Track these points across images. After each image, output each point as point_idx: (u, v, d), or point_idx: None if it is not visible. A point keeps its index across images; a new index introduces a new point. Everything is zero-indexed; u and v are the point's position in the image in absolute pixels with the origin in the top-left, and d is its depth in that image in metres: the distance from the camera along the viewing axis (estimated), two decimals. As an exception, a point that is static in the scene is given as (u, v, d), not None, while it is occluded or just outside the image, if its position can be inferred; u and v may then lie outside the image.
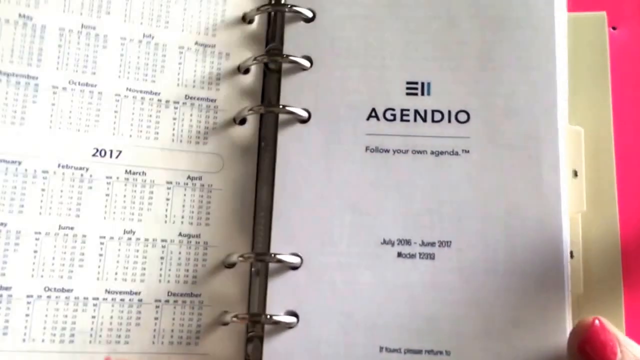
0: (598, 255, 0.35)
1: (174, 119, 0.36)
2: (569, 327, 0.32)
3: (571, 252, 0.34)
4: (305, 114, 0.36)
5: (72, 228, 0.33)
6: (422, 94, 0.36)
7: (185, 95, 0.36)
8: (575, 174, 0.35)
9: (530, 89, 0.35)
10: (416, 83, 0.36)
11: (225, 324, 0.34)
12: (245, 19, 0.38)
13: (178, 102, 0.36)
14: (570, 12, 0.38)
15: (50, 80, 0.34)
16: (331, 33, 0.37)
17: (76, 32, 0.35)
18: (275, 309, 0.33)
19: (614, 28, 0.38)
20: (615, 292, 0.34)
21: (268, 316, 0.33)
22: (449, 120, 0.36)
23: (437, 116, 0.36)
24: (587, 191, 0.35)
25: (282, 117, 0.36)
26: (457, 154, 0.35)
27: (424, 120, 0.36)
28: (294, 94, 0.36)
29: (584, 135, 0.36)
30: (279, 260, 0.33)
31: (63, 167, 0.34)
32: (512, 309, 0.33)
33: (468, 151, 0.35)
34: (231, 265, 0.35)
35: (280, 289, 0.33)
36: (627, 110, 0.37)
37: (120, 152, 0.35)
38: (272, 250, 0.34)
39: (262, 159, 0.36)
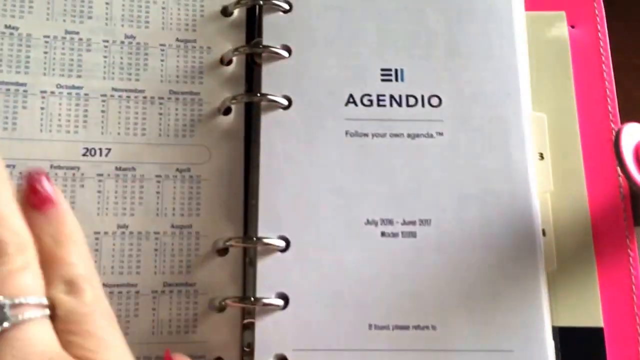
0: (570, 232, 0.37)
1: (160, 114, 0.37)
2: (543, 301, 0.34)
3: (543, 230, 0.36)
4: (285, 102, 0.37)
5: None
6: (397, 79, 0.38)
7: (170, 91, 0.37)
8: (542, 156, 0.37)
9: (494, 76, 0.38)
10: (390, 70, 0.38)
11: (221, 310, 0.35)
12: (225, 12, 0.39)
13: (163, 98, 0.37)
14: (533, 11, 0.40)
15: (39, 85, 0.36)
16: (308, 23, 0.38)
17: (60, 38, 0.37)
18: (265, 292, 0.34)
19: (572, 27, 0.41)
20: (588, 267, 0.36)
21: (257, 299, 0.34)
22: (423, 105, 0.37)
23: (412, 101, 0.37)
24: (555, 172, 0.38)
25: (264, 104, 0.37)
26: (431, 136, 0.37)
27: (399, 104, 0.37)
28: (274, 82, 0.38)
29: (549, 121, 0.38)
30: (266, 244, 0.35)
31: (55, 167, 0.35)
32: (490, 284, 0.35)
33: (442, 134, 0.37)
34: (223, 253, 0.36)
35: (269, 272, 0.35)
36: (590, 98, 0.39)
37: (110, 149, 0.36)
38: (260, 234, 0.35)
39: (251, 147, 0.38)
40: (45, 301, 0.25)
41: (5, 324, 0.23)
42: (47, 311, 0.25)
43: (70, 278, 0.26)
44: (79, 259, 0.27)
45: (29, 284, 0.25)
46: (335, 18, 0.39)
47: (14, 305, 0.24)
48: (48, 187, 0.27)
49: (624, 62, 0.42)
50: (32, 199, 0.26)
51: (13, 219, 0.26)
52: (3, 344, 0.23)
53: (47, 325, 0.25)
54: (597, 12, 0.41)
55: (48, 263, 0.26)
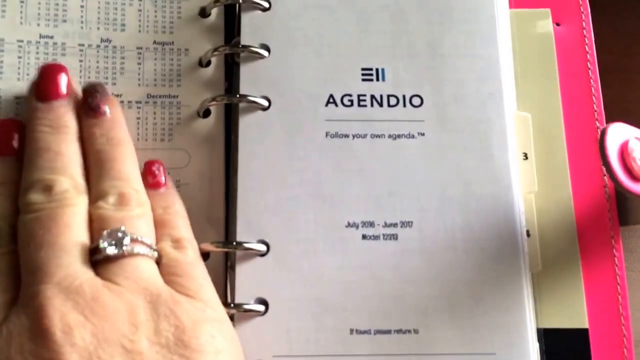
0: (555, 233, 0.36)
1: (138, 118, 0.37)
2: (527, 303, 0.34)
3: (527, 231, 0.35)
4: (265, 102, 0.36)
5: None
6: (377, 79, 0.37)
7: (147, 95, 0.37)
8: (526, 156, 0.37)
9: (476, 76, 0.37)
10: (371, 69, 0.37)
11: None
12: (203, 13, 0.39)
13: (140, 102, 0.37)
14: (517, 9, 0.40)
15: (12, 91, 0.35)
16: (287, 22, 0.38)
17: (34, 42, 0.36)
18: (244, 297, 0.34)
19: (557, 24, 0.40)
20: (573, 267, 0.36)
21: (237, 305, 0.34)
22: (404, 105, 0.37)
23: (393, 101, 0.37)
24: (539, 173, 0.37)
25: (242, 105, 0.37)
26: (413, 137, 0.36)
27: (380, 105, 0.37)
28: (253, 82, 0.37)
29: (534, 121, 0.38)
30: (246, 248, 0.34)
31: (32, 175, 0.35)
32: (472, 286, 0.34)
33: (423, 134, 0.36)
34: (204, 259, 0.35)
35: (248, 277, 0.34)
36: (575, 97, 0.39)
37: (87, 155, 0.36)
38: (239, 238, 0.35)
39: (232, 150, 0.37)
40: (154, 244, 0.31)
41: (123, 250, 0.29)
42: (156, 253, 0.30)
43: (176, 237, 0.32)
44: (184, 225, 0.33)
45: (144, 228, 0.31)
46: (315, 17, 0.38)
47: (132, 239, 0.29)
48: (162, 171, 0.34)
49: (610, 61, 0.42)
50: (150, 180, 0.33)
51: (136, 181, 0.32)
52: (119, 267, 0.29)
53: (154, 264, 0.30)
54: (582, 9, 0.40)
55: (158, 225, 0.32)
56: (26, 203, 0.30)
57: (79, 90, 0.34)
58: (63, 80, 0.33)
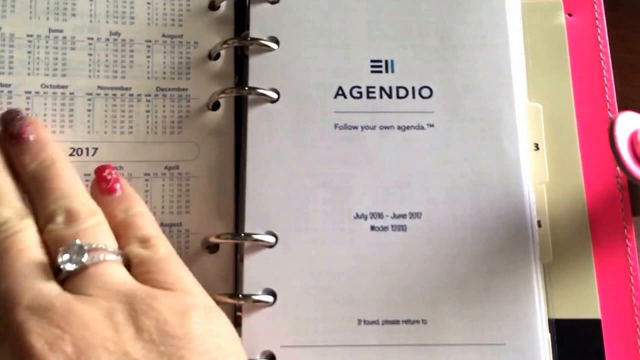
0: (566, 223, 0.36)
1: (147, 111, 0.37)
2: (537, 293, 0.34)
3: (539, 222, 0.35)
4: (274, 95, 0.36)
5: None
6: (387, 71, 0.37)
7: (157, 88, 0.37)
8: (537, 147, 0.37)
9: (486, 66, 0.37)
10: (380, 61, 0.37)
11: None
12: (212, 6, 0.39)
13: (150, 95, 0.37)
14: (529, 0, 0.40)
15: (23, 86, 0.36)
16: (296, 14, 0.38)
17: (44, 37, 0.37)
18: (253, 288, 0.34)
19: (570, 15, 0.40)
20: (585, 258, 0.35)
21: (246, 295, 0.34)
22: (413, 96, 0.36)
23: (402, 92, 0.37)
24: (551, 163, 0.37)
25: (251, 97, 0.37)
26: (422, 128, 0.36)
27: (390, 96, 0.36)
28: (262, 75, 0.37)
29: (545, 111, 0.38)
30: (255, 240, 0.35)
31: (43, 168, 0.35)
32: (482, 277, 0.34)
33: (433, 125, 0.36)
34: (214, 250, 0.36)
35: (256, 268, 0.34)
36: (586, 88, 0.38)
37: (97, 149, 0.36)
38: (247, 230, 0.35)
39: (241, 142, 0.37)
40: (117, 249, 0.30)
41: (84, 262, 0.28)
42: (121, 257, 0.30)
43: (143, 237, 0.31)
44: (149, 223, 0.32)
45: (103, 235, 0.30)
46: (324, 8, 0.38)
47: (91, 249, 0.28)
48: (114, 175, 0.33)
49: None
50: (103, 186, 0.32)
51: (80, 194, 0.31)
52: (85, 279, 0.28)
53: (123, 268, 0.29)
54: (594, 0, 0.40)
55: (123, 229, 0.31)
56: None
57: None
58: None
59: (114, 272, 0.29)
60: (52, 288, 0.27)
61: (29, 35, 0.37)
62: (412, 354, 0.33)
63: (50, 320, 0.26)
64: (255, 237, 0.34)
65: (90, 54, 0.37)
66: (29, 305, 0.26)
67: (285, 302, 0.34)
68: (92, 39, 0.37)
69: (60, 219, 0.30)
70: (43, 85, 0.36)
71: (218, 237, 0.35)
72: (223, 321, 0.29)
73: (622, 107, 0.35)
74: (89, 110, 0.36)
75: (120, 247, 0.30)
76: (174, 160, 0.36)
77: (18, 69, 0.36)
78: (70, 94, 0.36)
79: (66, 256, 0.28)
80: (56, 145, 0.33)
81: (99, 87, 0.37)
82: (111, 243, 0.30)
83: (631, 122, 0.32)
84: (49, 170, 0.31)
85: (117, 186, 0.32)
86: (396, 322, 0.34)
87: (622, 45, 0.45)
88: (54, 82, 0.36)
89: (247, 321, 0.34)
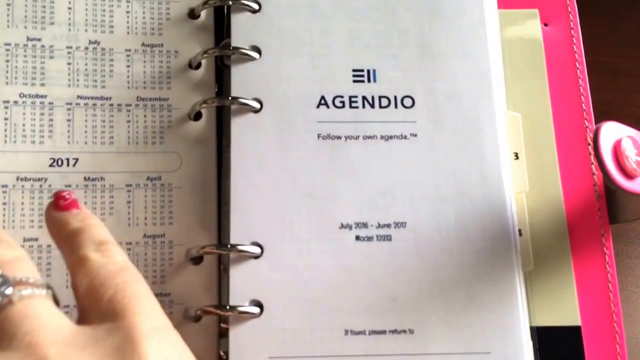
0: (546, 231, 0.37)
1: (128, 121, 0.36)
2: (520, 301, 0.34)
3: (520, 230, 0.36)
4: (257, 105, 0.36)
5: (36, 239, 0.34)
6: (369, 80, 0.37)
7: (137, 97, 0.37)
8: (517, 156, 0.37)
9: (466, 76, 0.37)
10: (362, 70, 0.37)
11: (197, 320, 0.35)
12: (192, 15, 0.38)
13: (130, 105, 0.37)
14: (506, 9, 0.40)
15: (1, 95, 0.35)
16: (277, 23, 0.38)
17: (22, 45, 0.36)
18: (239, 300, 0.34)
19: (545, 25, 0.40)
20: (565, 266, 0.36)
21: (233, 307, 0.34)
22: (396, 106, 0.37)
23: (384, 102, 0.37)
24: (530, 172, 0.37)
25: (234, 107, 0.36)
26: (405, 137, 0.36)
27: (372, 106, 0.37)
28: (244, 84, 0.37)
29: (523, 120, 0.38)
30: (240, 251, 0.34)
31: (21, 180, 0.35)
32: (466, 286, 0.34)
33: (415, 135, 0.36)
34: (198, 262, 0.35)
35: (242, 279, 0.34)
36: (564, 97, 0.39)
37: (77, 159, 0.35)
38: (233, 241, 0.35)
39: (223, 153, 0.37)
40: (44, 282, 0.26)
41: (9, 293, 0.24)
42: (50, 291, 0.25)
43: (99, 240, 0.28)
44: (105, 233, 0.29)
45: (27, 268, 0.26)
46: (305, 18, 0.38)
47: (17, 282, 0.24)
48: (72, 195, 0.30)
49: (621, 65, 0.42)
50: (61, 204, 0.29)
51: (2, 235, 0.27)
52: (10, 321, 0.24)
53: (50, 302, 0.25)
54: (570, 9, 0.41)
55: (76, 234, 0.28)
56: None
57: None
58: None
59: (41, 312, 0.24)
60: None
61: (6, 44, 0.36)
62: (400, 364, 0.34)
63: None
64: (240, 248, 0.34)
65: (69, 63, 0.36)
66: None
67: (271, 313, 0.34)
68: (71, 47, 0.36)
69: None
70: (22, 95, 0.35)
71: (203, 248, 0.35)
72: (176, 340, 0.27)
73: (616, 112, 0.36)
74: (68, 120, 0.36)
75: (74, 250, 0.28)
76: (156, 170, 0.36)
77: (-5, 78, 0.35)
78: (50, 103, 0.36)
79: None
80: None
81: (78, 96, 0.36)
82: (37, 274, 0.26)
83: (614, 131, 0.33)
84: None
85: (77, 204, 0.30)
86: (383, 332, 0.34)
87: (616, 50, 0.46)
88: (33, 92, 0.35)
89: (235, 333, 0.33)
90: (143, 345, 0.24)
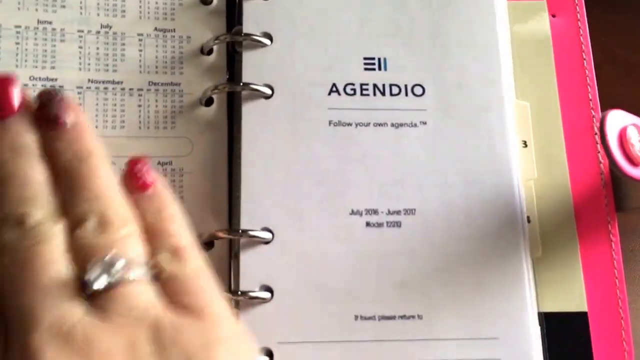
0: (553, 218, 0.37)
1: (139, 106, 0.36)
2: (528, 287, 0.35)
3: (528, 217, 0.36)
4: (268, 91, 0.36)
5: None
6: (380, 69, 0.37)
7: (149, 82, 0.37)
8: (525, 144, 0.38)
9: (477, 65, 0.38)
10: (373, 59, 0.37)
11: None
12: (204, 0, 0.38)
13: (142, 89, 0.36)
14: (514, 1, 0.41)
15: (12, 78, 0.35)
16: (289, 10, 0.38)
17: (33, 28, 0.36)
18: (249, 285, 0.34)
19: (553, 16, 0.41)
20: (572, 252, 0.37)
21: (243, 292, 0.34)
22: (406, 94, 0.37)
23: (395, 90, 0.37)
24: (538, 160, 0.38)
25: (245, 93, 0.36)
26: (415, 125, 0.36)
27: (383, 94, 0.37)
28: (255, 70, 0.37)
29: (532, 109, 0.39)
30: (251, 236, 0.34)
31: (33, 163, 0.34)
32: (475, 272, 0.35)
33: (425, 123, 0.37)
34: (208, 247, 0.35)
35: (253, 264, 0.34)
36: (571, 86, 0.40)
37: (88, 144, 0.35)
38: (243, 226, 0.35)
39: (235, 138, 0.37)
40: (148, 263, 0.27)
41: (113, 280, 0.26)
42: (150, 274, 0.27)
43: (174, 247, 0.28)
44: (181, 231, 0.29)
45: (133, 248, 0.27)
46: (317, 5, 0.38)
47: (122, 267, 0.26)
48: (147, 170, 0.30)
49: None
50: (134, 182, 0.29)
51: (114, 196, 0.28)
52: (112, 301, 0.25)
53: (150, 288, 0.27)
54: (577, 1, 0.41)
55: (152, 236, 0.28)
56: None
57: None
58: (14, 93, 0.28)
59: (141, 295, 0.26)
60: (75, 310, 0.25)
61: (17, 26, 0.36)
62: (409, 349, 0.34)
63: (70, 351, 0.24)
64: (251, 233, 0.34)
65: (80, 47, 0.36)
66: (49, 327, 0.24)
67: (282, 299, 0.34)
68: (82, 31, 0.36)
69: (91, 224, 0.27)
70: (32, 78, 0.35)
71: (215, 233, 0.35)
72: (249, 348, 0.28)
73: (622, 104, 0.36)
74: (79, 104, 0.35)
75: (151, 256, 0.28)
76: (167, 155, 0.36)
77: (6, 61, 0.35)
78: (60, 86, 0.35)
79: (95, 272, 0.26)
80: (95, 136, 0.29)
81: (89, 80, 0.36)
82: (142, 256, 0.27)
83: (620, 119, 0.33)
84: (83, 164, 0.28)
85: (149, 181, 0.30)
86: (392, 317, 0.34)
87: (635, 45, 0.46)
88: (43, 75, 0.35)
89: (244, 318, 0.34)
90: (217, 350, 0.26)
